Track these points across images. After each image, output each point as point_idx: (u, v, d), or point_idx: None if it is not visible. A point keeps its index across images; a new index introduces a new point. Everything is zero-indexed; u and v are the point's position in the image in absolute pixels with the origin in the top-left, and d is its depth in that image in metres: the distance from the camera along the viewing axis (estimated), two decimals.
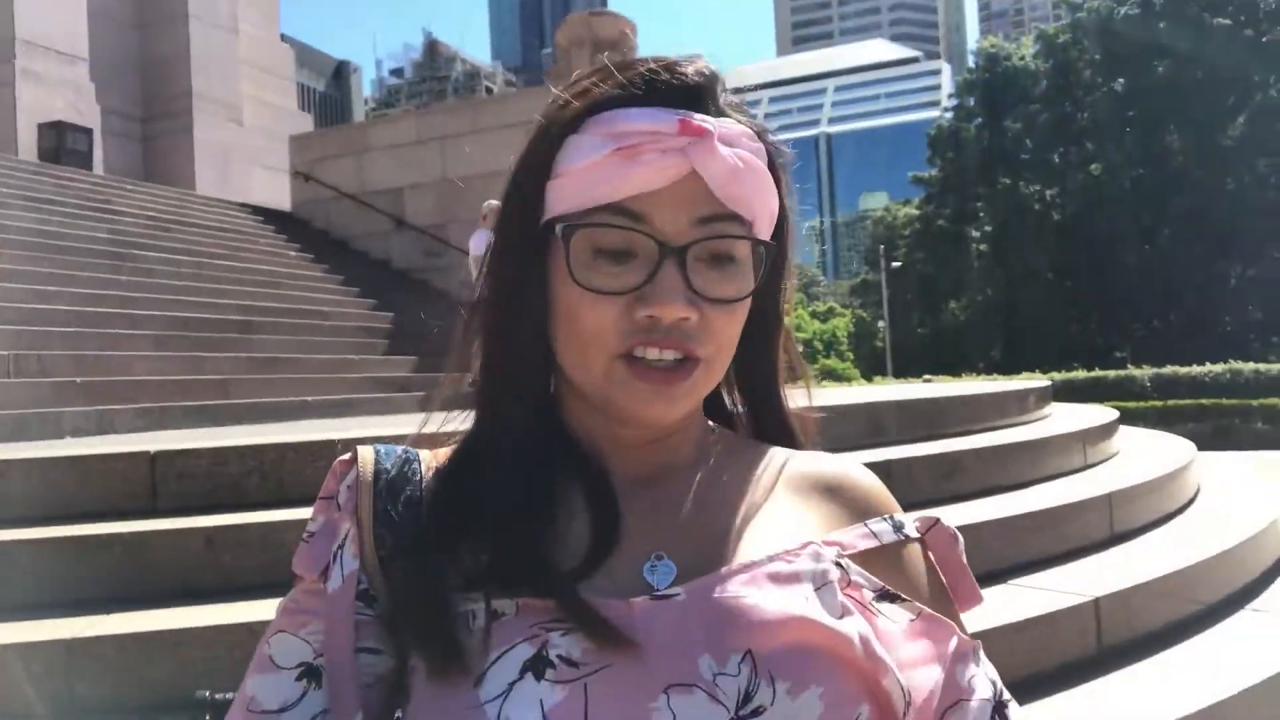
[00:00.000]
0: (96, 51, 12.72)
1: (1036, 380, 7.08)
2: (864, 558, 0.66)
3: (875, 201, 53.58)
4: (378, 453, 0.68)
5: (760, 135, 0.67)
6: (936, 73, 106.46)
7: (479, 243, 10.69)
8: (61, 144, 11.72)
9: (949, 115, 42.21)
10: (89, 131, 12.17)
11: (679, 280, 0.60)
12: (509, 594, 0.58)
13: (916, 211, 42.81)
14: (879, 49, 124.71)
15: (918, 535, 0.70)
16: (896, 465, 3.46)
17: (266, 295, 8.49)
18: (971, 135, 39.42)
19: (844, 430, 3.75)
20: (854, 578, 0.63)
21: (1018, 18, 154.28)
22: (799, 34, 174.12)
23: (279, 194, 13.42)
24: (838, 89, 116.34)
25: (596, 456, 0.68)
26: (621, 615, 0.58)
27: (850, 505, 0.70)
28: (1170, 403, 18.45)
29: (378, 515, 0.64)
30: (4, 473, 2.85)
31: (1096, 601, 2.77)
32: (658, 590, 0.61)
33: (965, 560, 0.71)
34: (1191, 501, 4.49)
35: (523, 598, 0.58)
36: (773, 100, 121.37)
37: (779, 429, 0.76)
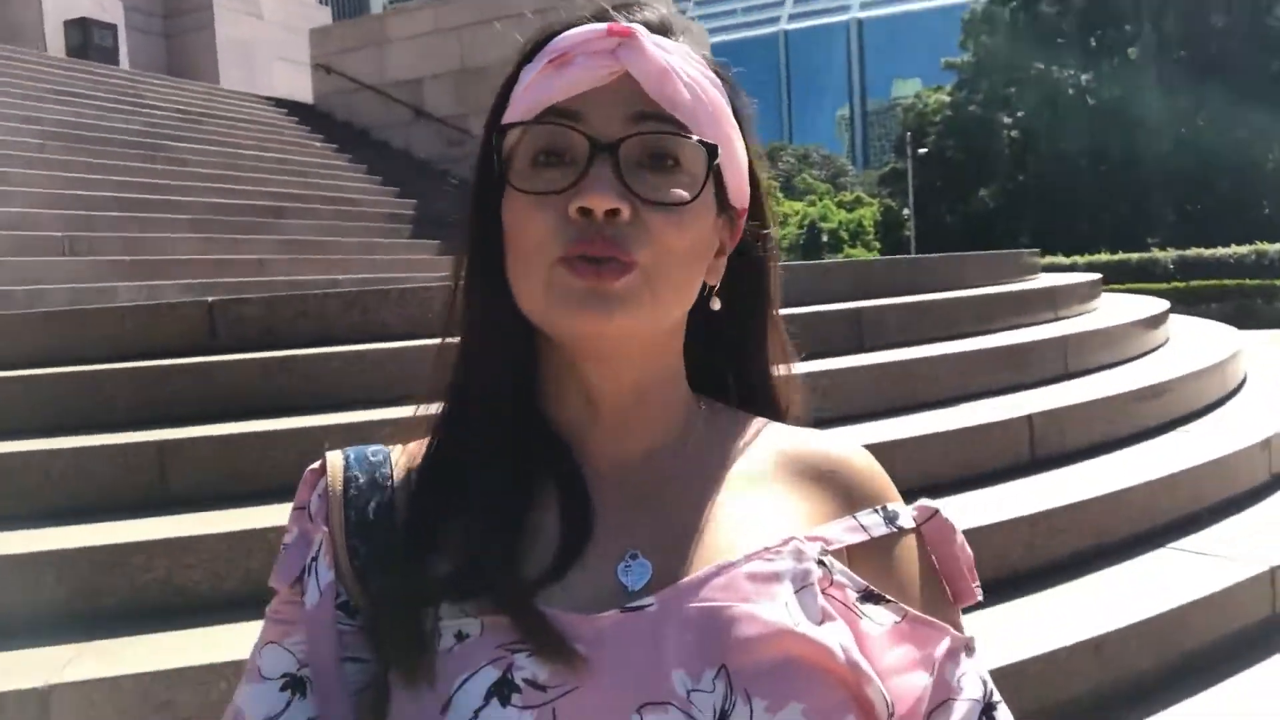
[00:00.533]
0: None
1: (1064, 275, 7.32)
2: (852, 552, 0.64)
3: (908, 89, 52.25)
4: (347, 459, 0.67)
5: (716, 71, 0.67)
6: None
7: None
8: (88, 40, 11.93)
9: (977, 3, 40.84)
10: (113, 27, 12.35)
11: (610, 174, 0.59)
12: (474, 607, 0.58)
13: (948, 98, 41.95)
14: None
15: (913, 526, 0.67)
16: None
17: (295, 184, 8.83)
18: (1006, 18, 38.29)
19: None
20: (837, 577, 0.61)
21: None
22: None
23: (301, 87, 13.58)
24: None
25: (574, 443, 0.66)
26: (589, 632, 0.57)
27: (841, 493, 0.67)
28: (1193, 283, 18.51)
29: (350, 525, 0.63)
30: (99, 318, 3.37)
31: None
32: (631, 589, 0.59)
33: (966, 552, 0.68)
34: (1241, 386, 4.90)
35: (487, 615, 0.57)
36: None
37: (763, 401, 0.74)
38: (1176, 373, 4.26)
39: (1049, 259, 18.15)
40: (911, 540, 0.66)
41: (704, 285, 0.67)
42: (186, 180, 7.81)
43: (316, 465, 0.67)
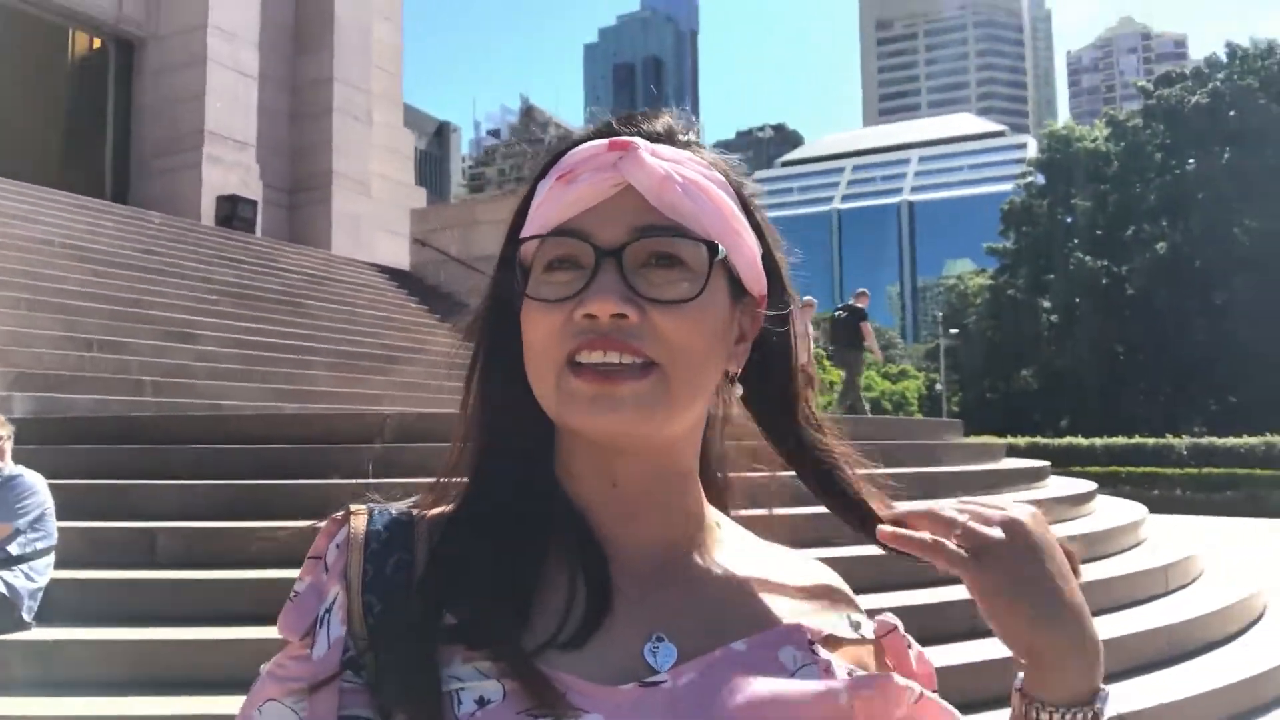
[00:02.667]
0: (261, 138, 15.64)
1: (1019, 461, 8.92)
2: (844, 647, 0.68)
3: (961, 268, 54.47)
4: (371, 513, 0.67)
5: (721, 170, 0.69)
6: (1022, 146, 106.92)
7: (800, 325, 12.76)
8: (234, 212, 14.51)
9: (1021, 193, 43.62)
10: (254, 202, 14.99)
11: (615, 279, 0.61)
12: (495, 671, 0.59)
13: (988, 281, 44.13)
14: (965, 122, 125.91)
15: (873, 639, 0.70)
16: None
17: (400, 336, 10.86)
18: (1044, 211, 40.82)
19: None
20: (831, 661, 0.65)
21: (1109, 94, 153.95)
22: (885, 106, 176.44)
23: (399, 254, 16.05)
24: (921, 159, 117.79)
25: (593, 521, 0.67)
26: (610, 702, 0.59)
27: (819, 598, 0.72)
28: (1205, 470, 19.60)
29: (367, 581, 0.63)
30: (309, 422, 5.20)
31: None
32: (660, 670, 0.61)
33: (925, 663, 0.71)
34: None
35: (509, 680, 0.58)
36: (856, 169, 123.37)
37: (842, 494, 0.73)
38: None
39: (1039, 440, 19.58)
40: (870, 649, 0.70)
41: (727, 373, 0.69)
42: (319, 331, 9.91)
43: (339, 515, 0.67)
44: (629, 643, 0.63)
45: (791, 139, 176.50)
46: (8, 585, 3.54)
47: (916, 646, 0.72)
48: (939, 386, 43.25)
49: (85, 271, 8.71)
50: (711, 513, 0.73)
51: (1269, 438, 20.48)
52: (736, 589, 0.68)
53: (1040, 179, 42.82)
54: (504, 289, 0.69)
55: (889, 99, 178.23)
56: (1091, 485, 7.86)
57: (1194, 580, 6.03)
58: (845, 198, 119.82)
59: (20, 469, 3.81)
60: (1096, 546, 5.79)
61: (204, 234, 12.45)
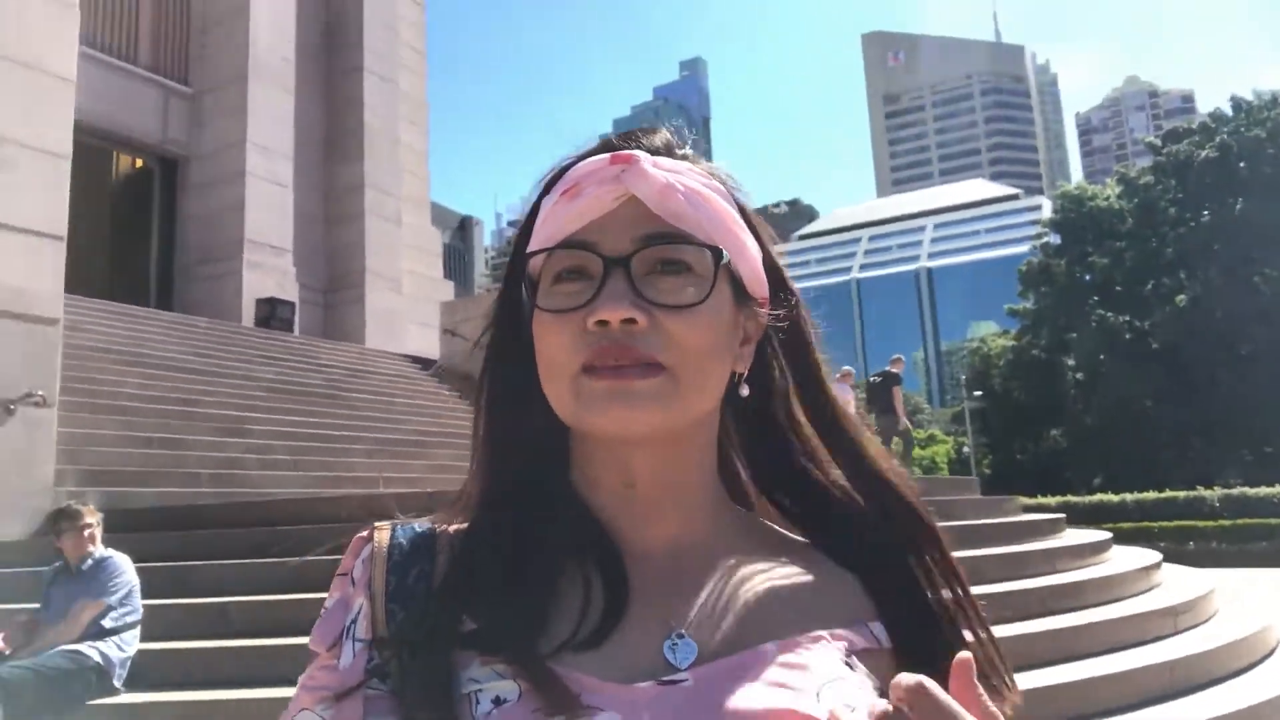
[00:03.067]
0: (296, 242, 16.48)
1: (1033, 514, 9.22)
2: (866, 656, 0.66)
3: (984, 329, 54.61)
4: (394, 529, 0.70)
5: (719, 179, 0.72)
6: (1037, 208, 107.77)
7: (840, 394, 13.27)
8: (272, 313, 15.24)
9: (1038, 254, 44.04)
10: (292, 303, 15.74)
11: (625, 287, 0.64)
12: (512, 671, 0.60)
13: (1011, 342, 44.27)
14: (978, 188, 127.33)
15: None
16: None
17: (433, 422, 11.35)
18: (1061, 270, 41.17)
19: None
20: (860, 677, 0.64)
21: (1120, 151, 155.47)
22: (898, 176, 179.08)
23: (429, 344, 16.69)
24: (936, 226, 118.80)
25: (610, 524, 0.69)
26: (626, 700, 0.59)
27: (857, 602, 0.70)
28: (1240, 521, 19.47)
29: (390, 590, 0.65)
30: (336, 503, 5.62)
31: None
32: (680, 667, 0.62)
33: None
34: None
35: (524, 680, 0.59)
36: (872, 239, 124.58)
37: (815, 494, 0.74)
38: None
39: (1070, 499, 19.59)
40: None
41: (735, 375, 0.70)
42: (358, 420, 10.44)
43: (365, 533, 0.70)
44: (649, 641, 0.63)
45: (806, 213, 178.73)
46: (102, 655, 3.98)
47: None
48: (966, 449, 43.03)
49: (139, 375, 9.31)
50: (737, 512, 0.74)
51: None
52: (763, 589, 0.68)
53: (1055, 239, 43.25)
54: (510, 307, 0.72)
55: (901, 169, 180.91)
56: (1106, 535, 8.11)
57: (1208, 619, 6.26)
58: (863, 267, 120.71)
59: (110, 551, 4.28)
60: (1112, 590, 6.07)
61: (246, 335, 13.13)
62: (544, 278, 0.68)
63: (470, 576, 0.65)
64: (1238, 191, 35.13)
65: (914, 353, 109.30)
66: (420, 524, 0.71)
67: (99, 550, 4.26)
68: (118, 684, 4.02)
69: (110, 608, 4.08)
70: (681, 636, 0.63)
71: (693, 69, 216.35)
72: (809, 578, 0.70)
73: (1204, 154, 36.68)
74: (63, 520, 4.24)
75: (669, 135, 0.74)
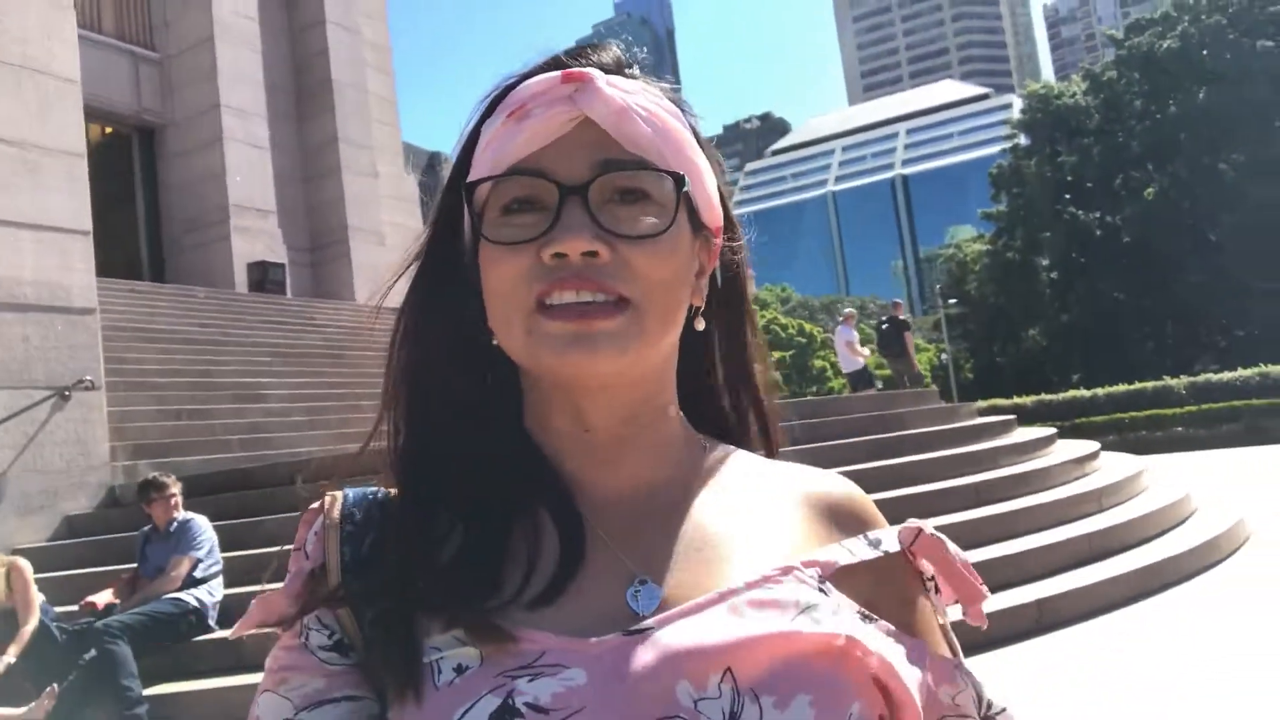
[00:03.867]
0: (280, 203, 16.82)
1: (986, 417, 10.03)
2: (843, 574, 0.64)
3: (964, 234, 55.16)
4: (346, 497, 0.67)
5: (673, 100, 0.68)
6: (1008, 106, 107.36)
7: (844, 334, 13.92)
8: (265, 276, 15.63)
9: (1008, 156, 44.36)
10: (282, 265, 16.14)
11: (584, 216, 0.60)
12: (472, 637, 0.57)
13: (986, 246, 44.91)
14: (948, 89, 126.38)
15: (898, 549, 0.67)
16: None
17: None
18: (1032, 171, 41.59)
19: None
20: (835, 601, 0.61)
21: (1090, 43, 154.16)
22: (868, 81, 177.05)
23: None
24: (909, 131, 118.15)
25: (567, 470, 0.66)
26: (589, 655, 0.57)
27: (831, 521, 0.68)
28: (1204, 406, 20.43)
29: (344, 563, 0.63)
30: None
31: None
32: (643, 614, 0.59)
33: (961, 557, 0.68)
34: None
35: (486, 644, 0.57)
36: (846, 149, 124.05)
37: (755, 425, 0.76)
38: None
39: (1045, 397, 20.52)
40: (898, 562, 0.67)
41: (690, 307, 0.67)
42: (362, 376, 11.03)
43: (316, 505, 0.67)
44: (611, 591, 0.61)
45: (779, 127, 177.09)
46: (198, 600, 4.73)
47: (955, 550, 0.68)
48: (945, 356, 44.03)
49: (156, 351, 9.84)
50: (706, 445, 0.71)
51: (1263, 368, 21.29)
52: (733, 525, 0.65)
53: (1025, 140, 43.58)
54: (443, 242, 0.68)
55: (870, 74, 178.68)
56: (1095, 445, 8.85)
57: (1133, 497, 7.13)
58: (839, 179, 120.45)
59: (190, 514, 5.01)
60: (1050, 479, 6.86)
61: (244, 302, 13.60)
62: (490, 208, 0.64)
63: (422, 540, 0.63)
64: (1201, 80, 35.49)
65: (893, 262, 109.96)
66: (372, 489, 0.68)
67: (181, 514, 4.96)
68: (212, 623, 4.79)
69: (198, 561, 4.80)
70: (644, 583, 0.61)
71: None
72: (785, 508, 0.68)
73: (1166, 44, 36.90)
74: (151, 490, 4.95)
75: (619, 52, 0.69)
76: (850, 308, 17.82)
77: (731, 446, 0.73)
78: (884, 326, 14.85)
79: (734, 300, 0.74)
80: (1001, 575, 5.05)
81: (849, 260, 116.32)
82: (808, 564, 0.63)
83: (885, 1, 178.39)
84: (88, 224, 7.11)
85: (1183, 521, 6.73)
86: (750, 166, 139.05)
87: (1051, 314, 40.45)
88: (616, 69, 0.67)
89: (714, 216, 0.69)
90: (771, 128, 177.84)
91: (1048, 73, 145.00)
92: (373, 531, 0.65)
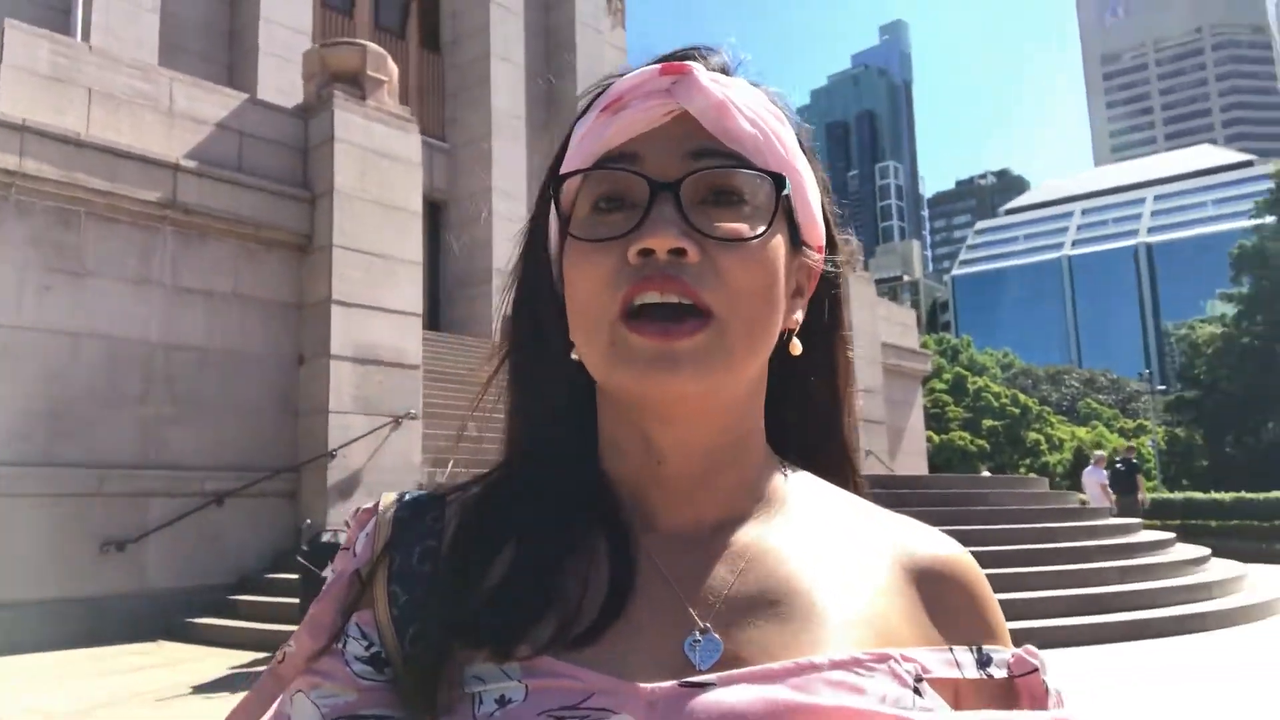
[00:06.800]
0: None
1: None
2: (941, 682, 0.57)
3: (1223, 308, 52.82)
4: (400, 500, 0.65)
5: (781, 105, 0.66)
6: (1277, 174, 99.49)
7: (1096, 475, 16.54)
8: (503, 326, 19.21)
9: (1252, 235, 42.35)
10: None
11: (673, 213, 0.57)
12: (518, 671, 0.54)
13: (1221, 329, 42.89)
14: (1206, 155, 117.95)
15: (1005, 677, 0.60)
16: None
17: None
18: (1277, 253, 39.58)
19: None
20: (929, 703, 0.55)
21: None
22: (1117, 142, 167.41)
23: None
24: (1157, 198, 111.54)
25: (636, 502, 0.62)
26: (641, 700, 0.53)
27: (944, 612, 0.61)
28: None
29: (393, 570, 0.61)
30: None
31: None
32: (699, 667, 0.54)
33: (1057, 708, 0.59)
34: None
35: (531, 679, 0.54)
36: (1085, 212, 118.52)
37: (835, 465, 0.70)
38: None
39: (1244, 495, 20.41)
40: (999, 688, 0.60)
41: (782, 331, 0.63)
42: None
43: (370, 504, 0.66)
44: (668, 636, 0.56)
45: (1016, 185, 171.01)
46: None
47: (1058, 699, 0.60)
48: (1153, 441, 42.32)
49: (440, 389, 13.14)
50: (789, 475, 0.66)
51: None
52: (815, 578, 0.59)
53: (1272, 218, 41.53)
54: (538, 245, 0.65)
55: (1120, 134, 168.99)
56: (1206, 550, 10.42)
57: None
58: (1076, 243, 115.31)
59: None
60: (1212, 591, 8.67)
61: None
62: (579, 205, 0.61)
63: (472, 560, 0.60)
64: None
65: (1132, 335, 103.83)
66: (429, 494, 0.66)
67: None
68: None
69: None
70: (705, 633, 0.56)
71: (893, 33, 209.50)
72: (881, 568, 0.61)
73: None
74: None
75: (725, 57, 0.66)
76: (1101, 451, 19.95)
77: (818, 479, 0.68)
78: (1118, 467, 16.94)
79: (831, 327, 0.69)
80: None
81: (1082, 329, 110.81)
82: (906, 659, 0.56)
83: (1142, 58, 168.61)
84: (420, 309, 10.35)
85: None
86: (981, 224, 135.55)
87: None
88: (719, 67, 0.65)
89: (816, 234, 0.65)
90: (1008, 185, 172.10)
91: None
92: (424, 540, 0.62)
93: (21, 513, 7.65)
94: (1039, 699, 0.60)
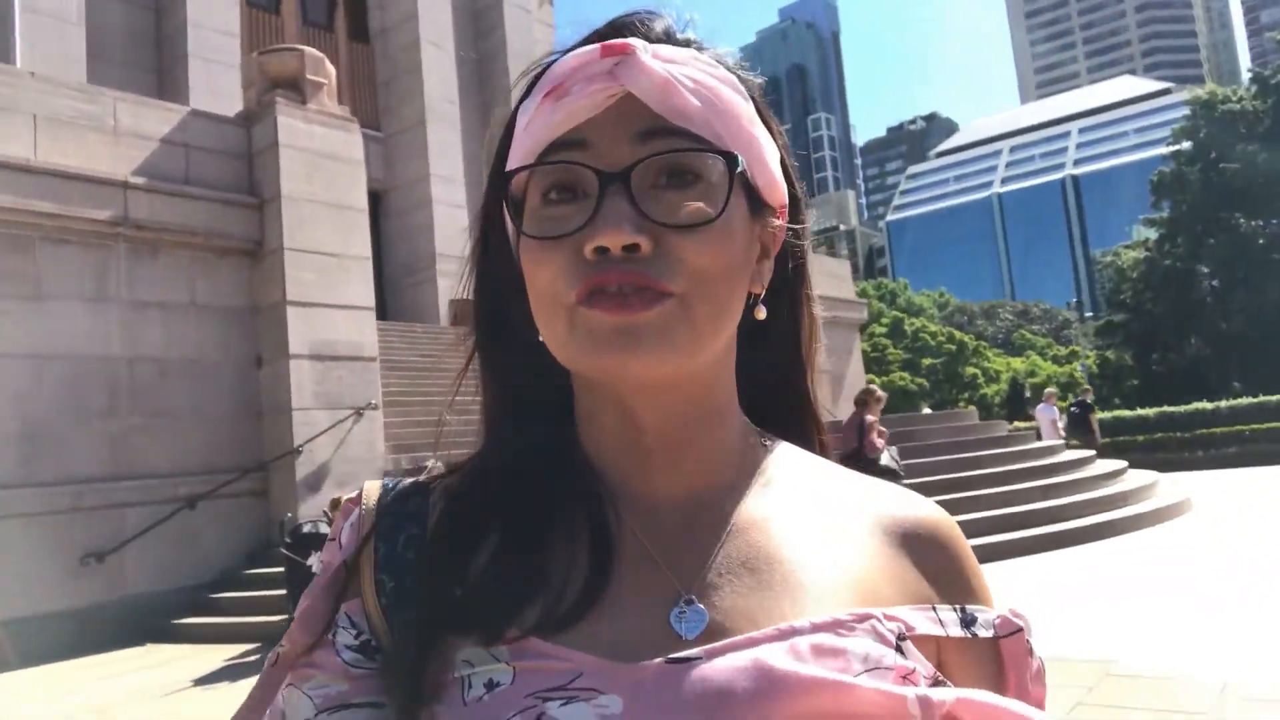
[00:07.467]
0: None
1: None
2: (923, 640, 0.58)
3: (1146, 234, 54.69)
4: (385, 489, 0.65)
5: (729, 69, 0.63)
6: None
7: (1048, 412, 17.38)
8: (462, 312, 19.52)
9: (1170, 163, 43.88)
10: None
11: (625, 206, 0.55)
12: (506, 653, 0.55)
13: (1144, 254, 44.54)
14: (1127, 85, 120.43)
15: (989, 636, 0.60)
16: None
17: None
18: (1195, 178, 41.12)
19: None
20: (912, 664, 0.55)
21: None
22: (1041, 79, 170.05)
23: None
24: (1081, 130, 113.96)
25: (617, 477, 0.62)
26: (628, 683, 0.53)
27: (927, 572, 0.61)
28: None
29: (379, 559, 0.61)
30: None
31: None
32: (686, 637, 0.55)
33: (1041, 681, 0.62)
34: None
35: (519, 662, 0.54)
36: (1013, 150, 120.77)
37: (800, 426, 0.70)
38: None
39: (1167, 409, 21.73)
40: (986, 647, 0.60)
41: (749, 295, 0.62)
42: None
43: (354, 494, 0.66)
44: (654, 609, 0.57)
45: (945, 127, 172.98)
46: None
47: (1038, 659, 0.62)
48: (1083, 365, 44.13)
49: (397, 378, 13.50)
50: (767, 444, 0.66)
51: None
52: (795, 543, 0.60)
53: (1187, 145, 43.05)
54: (493, 231, 0.65)
55: (1044, 71, 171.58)
56: (1123, 464, 11.42)
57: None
58: (1005, 180, 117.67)
59: None
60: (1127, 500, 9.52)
61: (449, 333, 17.37)
62: (530, 195, 0.60)
63: (455, 544, 0.60)
64: None
65: (1063, 266, 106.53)
66: (412, 481, 0.66)
67: None
68: None
69: None
70: (690, 603, 0.57)
71: None
72: (860, 531, 0.62)
73: None
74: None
75: (669, 21, 0.64)
76: (1052, 388, 20.91)
77: (795, 447, 0.68)
78: (1074, 411, 17.69)
79: (796, 286, 0.68)
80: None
81: (1015, 264, 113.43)
82: (889, 618, 0.57)
83: None
84: (372, 303, 10.70)
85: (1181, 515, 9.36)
86: (913, 169, 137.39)
87: (1212, 323, 39.99)
88: (666, 38, 0.63)
89: (776, 194, 0.64)
90: (938, 129, 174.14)
91: (1245, 62, 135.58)
92: (410, 527, 0.62)
93: (1, 533, 7.95)
94: (1021, 660, 0.61)
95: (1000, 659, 0.61)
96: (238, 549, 9.37)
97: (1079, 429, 17.05)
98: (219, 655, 7.37)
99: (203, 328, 9.59)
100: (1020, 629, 0.62)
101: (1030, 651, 0.62)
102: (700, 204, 0.57)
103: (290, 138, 9.99)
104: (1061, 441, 16.40)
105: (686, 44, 0.63)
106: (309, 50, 10.81)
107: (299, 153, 10.05)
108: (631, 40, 0.60)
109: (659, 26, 0.64)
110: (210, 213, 9.61)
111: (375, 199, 20.85)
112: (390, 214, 20.58)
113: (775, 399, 0.71)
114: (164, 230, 9.30)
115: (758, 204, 0.63)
